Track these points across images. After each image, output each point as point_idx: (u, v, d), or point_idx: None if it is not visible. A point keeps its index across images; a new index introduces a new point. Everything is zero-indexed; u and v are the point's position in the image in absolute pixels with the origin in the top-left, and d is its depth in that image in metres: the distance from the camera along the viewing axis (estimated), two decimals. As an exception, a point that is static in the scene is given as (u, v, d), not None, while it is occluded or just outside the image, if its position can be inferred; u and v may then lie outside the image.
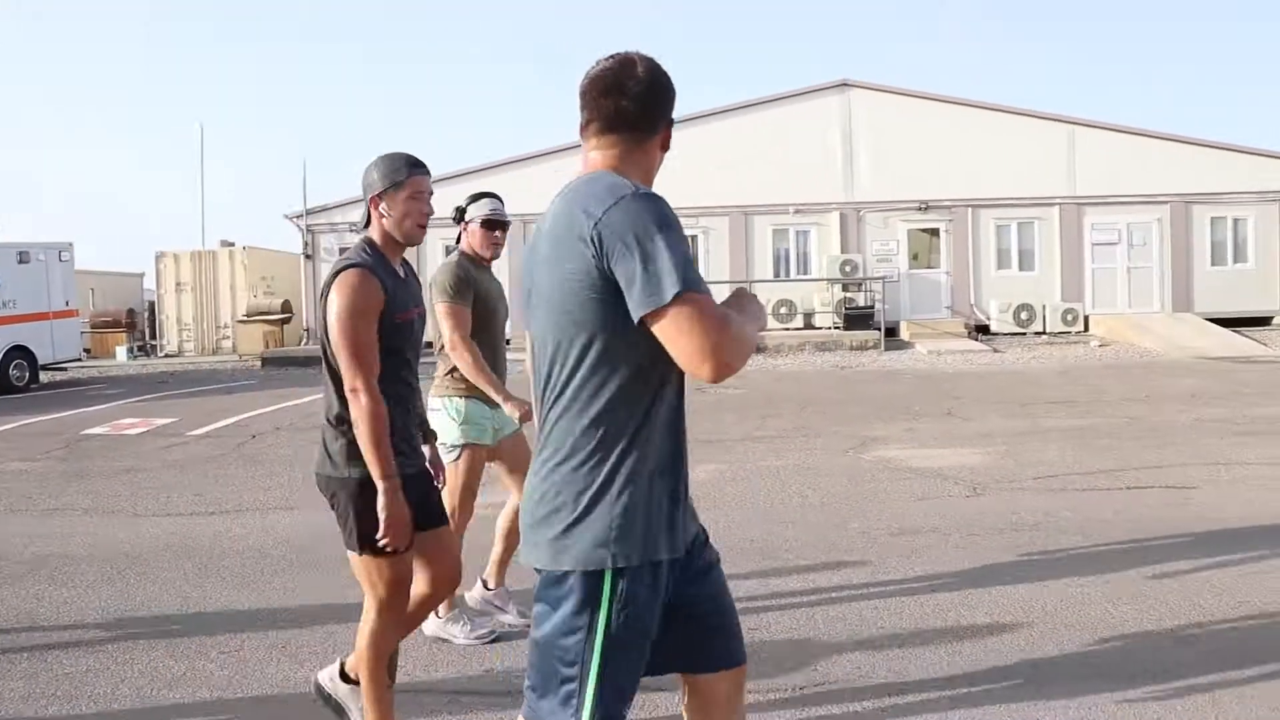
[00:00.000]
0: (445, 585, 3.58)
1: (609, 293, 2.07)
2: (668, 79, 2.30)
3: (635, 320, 2.05)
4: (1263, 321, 26.05)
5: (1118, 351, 21.22)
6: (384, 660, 3.41)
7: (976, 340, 23.74)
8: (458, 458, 4.63)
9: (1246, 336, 22.95)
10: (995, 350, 21.55)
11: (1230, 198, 26.19)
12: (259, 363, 24.30)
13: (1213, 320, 24.36)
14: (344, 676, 3.59)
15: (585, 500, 2.13)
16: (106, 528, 7.22)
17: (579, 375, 2.14)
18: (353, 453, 3.25)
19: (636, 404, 2.14)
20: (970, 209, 25.90)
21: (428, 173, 3.44)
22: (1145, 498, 7.24)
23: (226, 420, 13.12)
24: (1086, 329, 25.05)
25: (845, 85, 26.54)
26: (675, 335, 2.01)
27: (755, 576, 5.52)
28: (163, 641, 4.75)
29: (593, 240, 2.06)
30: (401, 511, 3.19)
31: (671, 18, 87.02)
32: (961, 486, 7.81)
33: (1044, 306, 25.21)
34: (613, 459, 2.14)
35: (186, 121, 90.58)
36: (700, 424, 11.67)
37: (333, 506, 3.36)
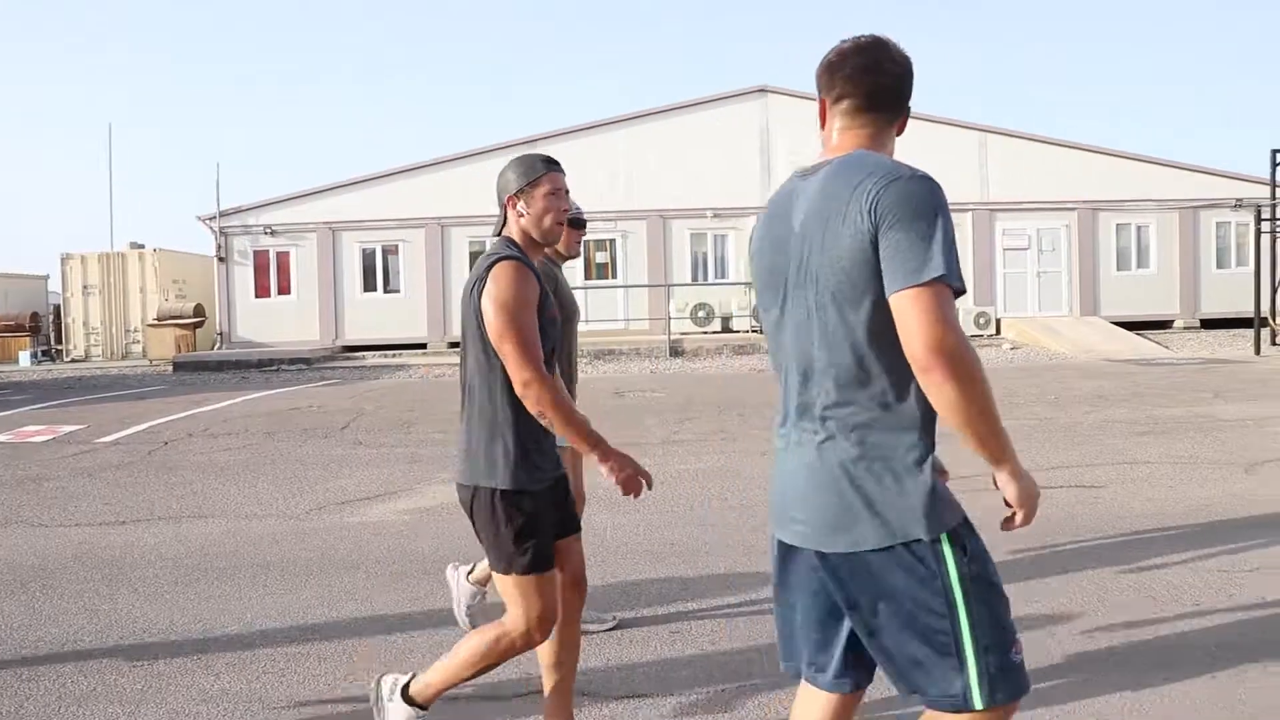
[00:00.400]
0: (573, 590, 3.47)
1: (877, 266, 2.07)
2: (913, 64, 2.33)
3: (889, 292, 2.03)
4: (1164, 325, 26.91)
5: (1028, 354, 21.71)
6: (487, 663, 3.29)
7: (892, 343, 24.10)
8: None
9: (1150, 340, 23.65)
10: (910, 353, 21.88)
11: (1134, 205, 27.01)
12: (170, 367, 23.81)
13: (1118, 323, 25.08)
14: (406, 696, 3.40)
15: (904, 472, 2.12)
16: (10, 539, 7.00)
17: (872, 352, 2.12)
18: (493, 460, 3.18)
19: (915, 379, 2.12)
20: (885, 214, 26.29)
21: (563, 171, 3.40)
22: (1056, 497, 7.40)
23: (137, 427, 12.82)
24: (999, 332, 25.61)
25: (764, 91, 26.81)
26: (918, 314, 2.00)
27: (675, 579, 5.55)
28: (71, 656, 4.62)
29: (871, 211, 2.06)
30: (624, 462, 3.15)
31: (587, 21, 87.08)
32: (878, 488, 7.91)
33: (958, 310, 25.66)
34: (914, 428, 2.14)
35: (94, 120, 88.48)
36: (620, 428, 11.67)
37: (473, 520, 3.25)
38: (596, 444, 3.15)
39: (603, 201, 25.88)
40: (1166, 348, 22.65)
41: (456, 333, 27.24)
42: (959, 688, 2.14)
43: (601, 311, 25.87)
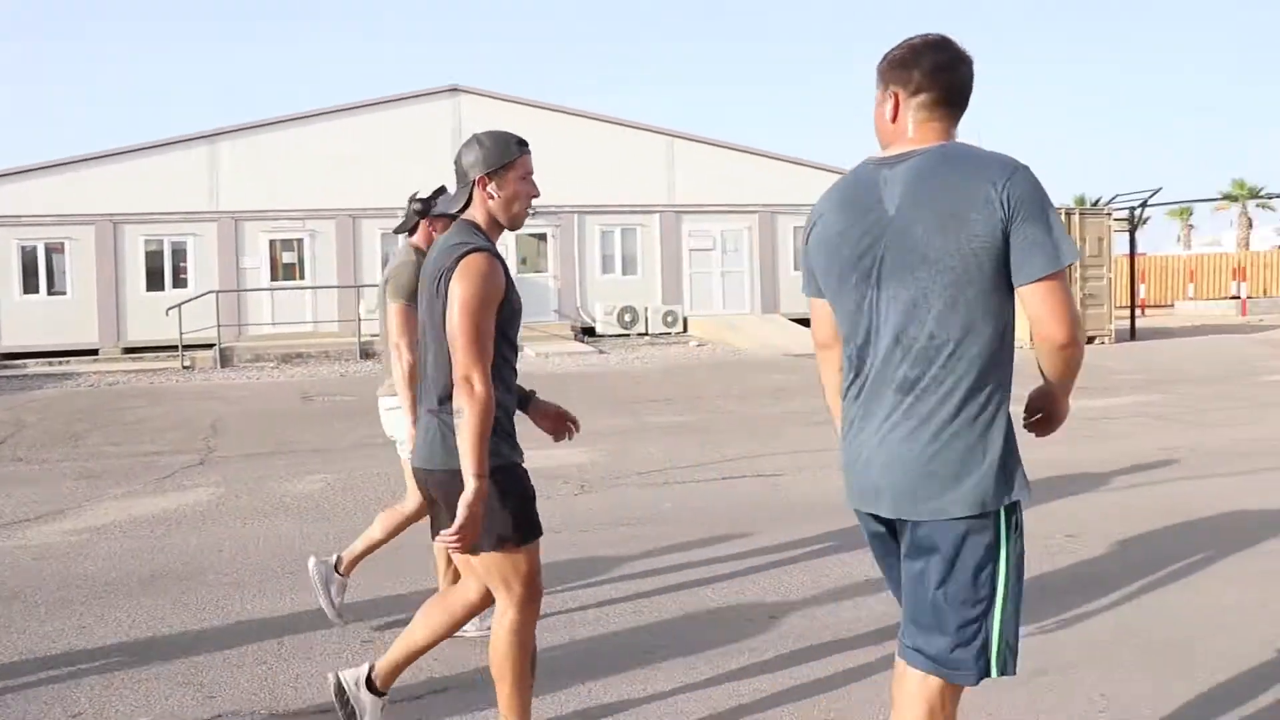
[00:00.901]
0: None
1: (1003, 252, 2.24)
2: None
3: (1023, 280, 2.24)
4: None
5: (714, 350, 22.68)
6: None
7: (583, 342, 24.56)
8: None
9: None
10: (601, 352, 22.40)
11: (808, 208, 28.74)
12: None
13: (796, 320, 26.58)
14: (370, 685, 3.39)
15: (985, 448, 2.30)
16: None
17: (969, 334, 2.29)
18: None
19: (1008, 355, 2.34)
20: (576, 215, 26.77)
21: (530, 153, 3.26)
22: (739, 486, 7.80)
23: None
24: (686, 330, 26.59)
25: (456, 90, 26.65)
26: (1059, 299, 2.23)
27: (372, 586, 5.42)
28: None
29: (1004, 202, 2.22)
30: (475, 521, 2.98)
31: (272, 16, 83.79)
32: (571, 485, 8.06)
33: (646, 309, 26.52)
34: (999, 407, 2.33)
35: None
36: (309, 433, 11.33)
37: (444, 504, 3.11)
38: (480, 479, 2.99)
39: (290, 200, 24.96)
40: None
41: (133, 337, 25.65)
42: (975, 651, 2.35)
43: (288, 313, 25.00)
